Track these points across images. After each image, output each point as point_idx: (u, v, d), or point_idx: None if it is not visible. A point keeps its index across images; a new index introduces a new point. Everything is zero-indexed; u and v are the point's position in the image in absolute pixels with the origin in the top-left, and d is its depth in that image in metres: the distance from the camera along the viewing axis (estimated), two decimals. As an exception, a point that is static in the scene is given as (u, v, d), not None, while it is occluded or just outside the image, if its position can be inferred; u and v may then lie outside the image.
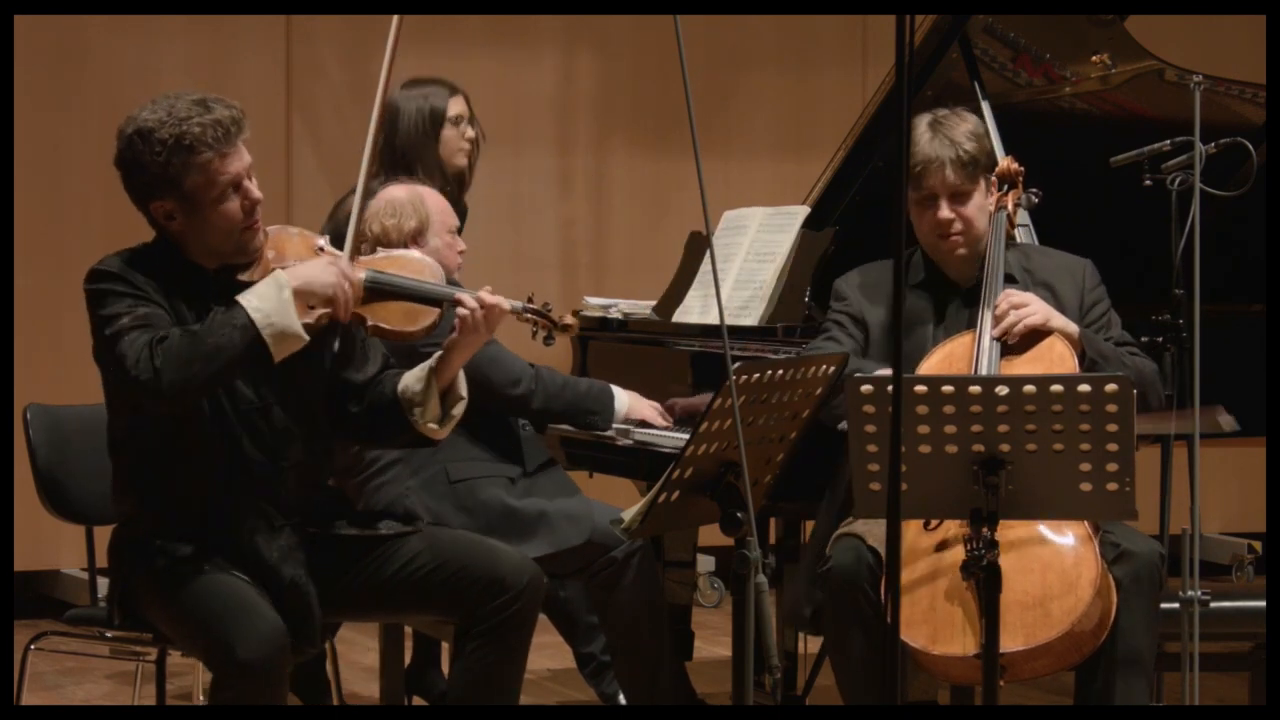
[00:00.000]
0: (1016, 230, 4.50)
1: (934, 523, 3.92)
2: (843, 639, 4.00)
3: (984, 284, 4.22)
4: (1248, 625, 4.42)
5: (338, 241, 4.01)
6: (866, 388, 3.50)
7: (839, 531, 4.08)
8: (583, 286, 7.10)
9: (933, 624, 3.80)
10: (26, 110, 6.64)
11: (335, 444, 4.10)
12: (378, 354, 4.04)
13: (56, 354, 6.59)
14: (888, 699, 2.87)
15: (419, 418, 3.92)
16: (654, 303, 5.33)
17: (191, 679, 5.38)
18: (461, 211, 5.16)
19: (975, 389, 3.50)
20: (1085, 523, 3.87)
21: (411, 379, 3.95)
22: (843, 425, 3.73)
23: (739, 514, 3.60)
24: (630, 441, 4.79)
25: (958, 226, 4.25)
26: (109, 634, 4.17)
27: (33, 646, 4.33)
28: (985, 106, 4.91)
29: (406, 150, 5.28)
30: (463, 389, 3.96)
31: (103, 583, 4.08)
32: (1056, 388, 3.49)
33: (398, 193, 4.77)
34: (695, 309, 5.08)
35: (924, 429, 3.51)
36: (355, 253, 3.96)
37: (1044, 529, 3.88)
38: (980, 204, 4.28)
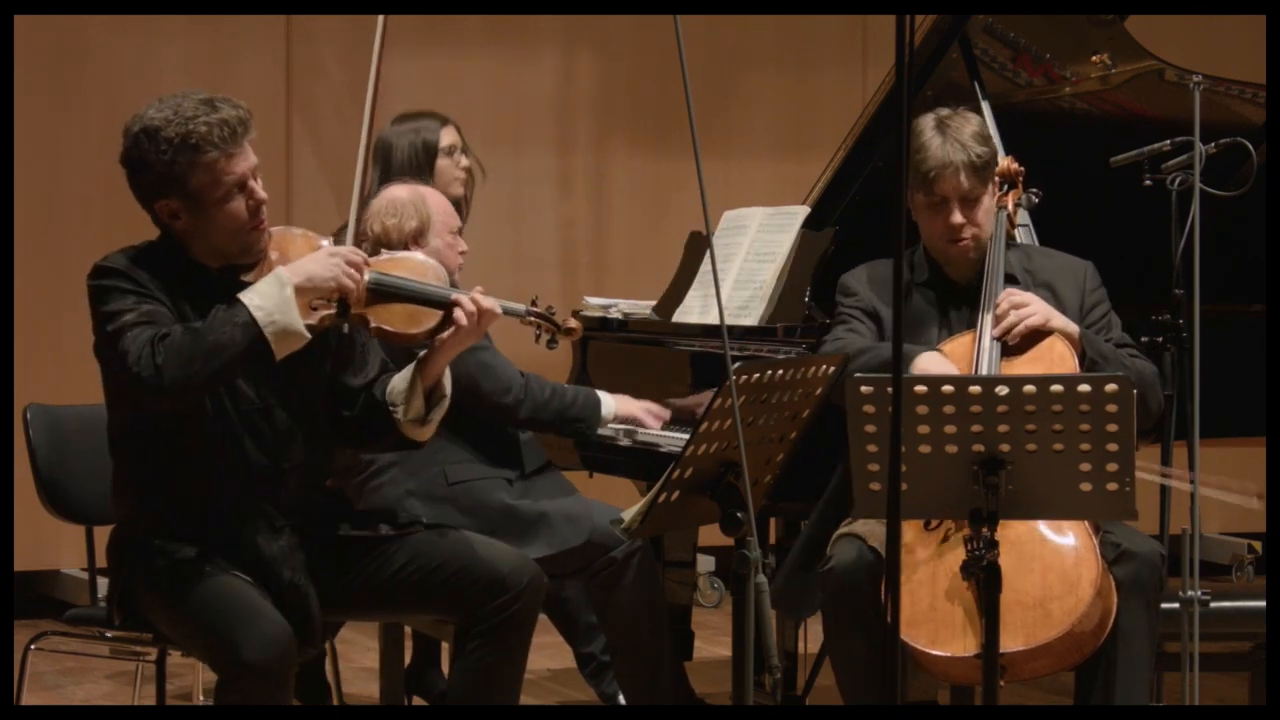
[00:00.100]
0: (1016, 230, 4.50)
1: (934, 523, 3.92)
2: (843, 639, 4.00)
3: (985, 284, 4.22)
4: (1248, 625, 4.42)
5: None
6: (866, 388, 3.50)
7: (839, 531, 4.08)
8: (583, 286, 7.10)
9: (933, 624, 3.80)
10: (26, 110, 6.65)
11: (335, 445, 4.10)
12: (375, 358, 4.03)
13: (56, 354, 6.59)
14: (888, 699, 2.87)
15: (401, 416, 3.91)
16: (654, 303, 5.33)
17: (191, 679, 5.39)
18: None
19: (975, 389, 3.50)
20: (1086, 523, 3.87)
21: (398, 378, 3.95)
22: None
23: (739, 514, 3.60)
24: (630, 442, 4.79)
25: (969, 231, 4.24)
26: (109, 634, 4.17)
27: (33, 646, 4.33)
28: (985, 106, 4.91)
29: None
30: (447, 389, 3.96)
31: (103, 583, 4.08)
32: (1056, 388, 3.49)
33: (399, 192, 4.77)
34: (695, 309, 5.08)
35: (924, 429, 3.51)
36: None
37: (1044, 529, 3.88)
38: (989, 207, 4.27)
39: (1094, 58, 5.24)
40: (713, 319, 4.89)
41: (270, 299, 3.67)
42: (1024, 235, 4.66)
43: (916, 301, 4.31)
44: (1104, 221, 5.04)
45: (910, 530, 3.91)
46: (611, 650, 4.89)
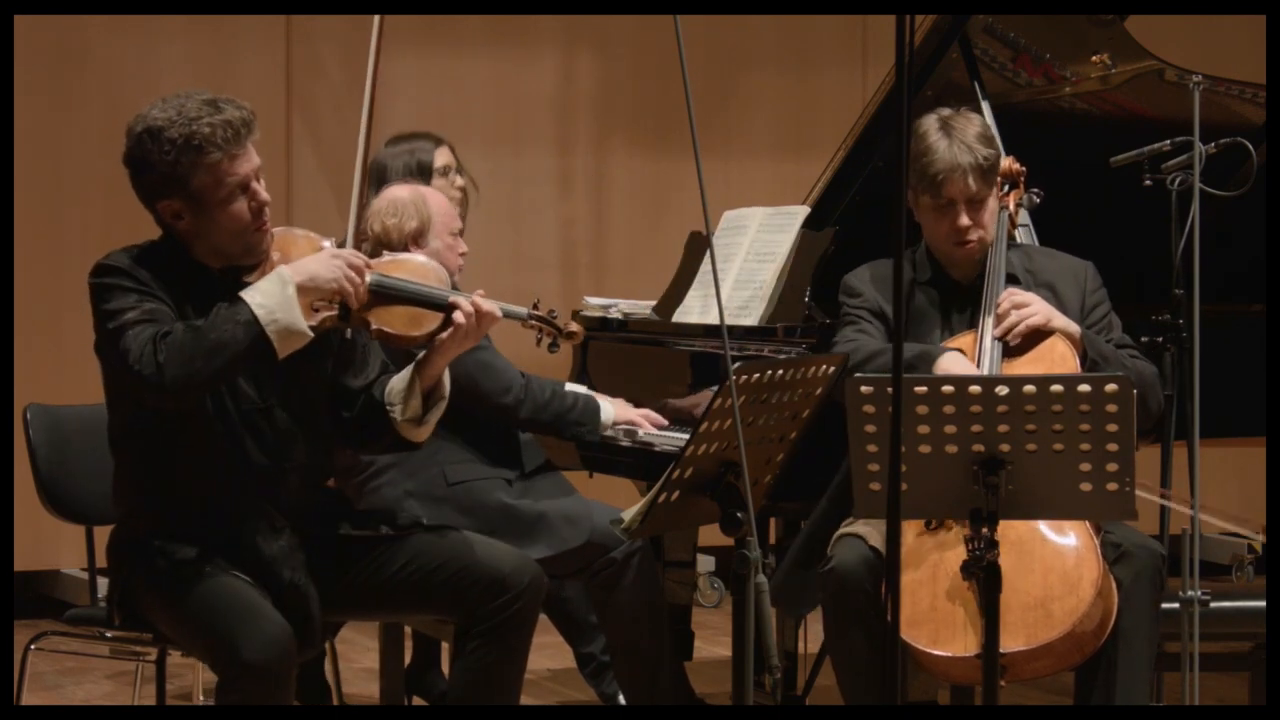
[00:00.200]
0: (1016, 230, 4.50)
1: (935, 522, 3.92)
2: (844, 639, 4.00)
3: (986, 284, 4.22)
4: (1248, 625, 4.42)
5: None
6: (866, 388, 3.50)
7: (840, 531, 4.08)
8: (583, 286, 7.09)
9: (934, 624, 3.80)
10: (26, 110, 6.64)
11: (334, 445, 4.10)
12: (376, 359, 4.03)
13: (56, 354, 6.60)
14: (888, 699, 2.87)
15: (398, 415, 3.91)
16: (654, 303, 5.33)
17: (191, 679, 5.39)
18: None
19: (975, 389, 3.50)
20: (1087, 523, 3.87)
21: (396, 378, 3.94)
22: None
23: (739, 514, 3.60)
24: (630, 442, 4.79)
25: (976, 233, 4.23)
26: (109, 634, 4.17)
27: (33, 646, 4.33)
28: (985, 106, 4.91)
29: None
30: (445, 389, 3.96)
31: (103, 583, 4.08)
32: (1056, 388, 3.49)
33: (401, 192, 4.77)
34: (695, 309, 5.08)
35: (924, 429, 3.51)
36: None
37: (1046, 529, 3.88)
38: (994, 208, 4.27)
39: (1094, 58, 5.24)
40: (713, 319, 4.89)
41: (272, 297, 3.66)
42: (1024, 235, 4.65)
43: (919, 300, 4.31)
44: (1104, 221, 5.04)
45: (911, 530, 3.91)
46: (611, 650, 4.89)
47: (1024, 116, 5.19)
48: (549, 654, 5.84)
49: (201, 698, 5.32)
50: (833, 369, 3.78)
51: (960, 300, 4.30)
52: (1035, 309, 4.14)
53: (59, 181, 6.79)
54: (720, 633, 6.22)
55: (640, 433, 4.79)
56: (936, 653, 3.79)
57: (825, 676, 4.37)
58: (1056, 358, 4.09)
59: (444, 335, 3.86)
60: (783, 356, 4.56)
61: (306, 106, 7.10)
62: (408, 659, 5.09)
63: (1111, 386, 3.48)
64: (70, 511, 4.35)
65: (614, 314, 5.40)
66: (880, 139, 5.06)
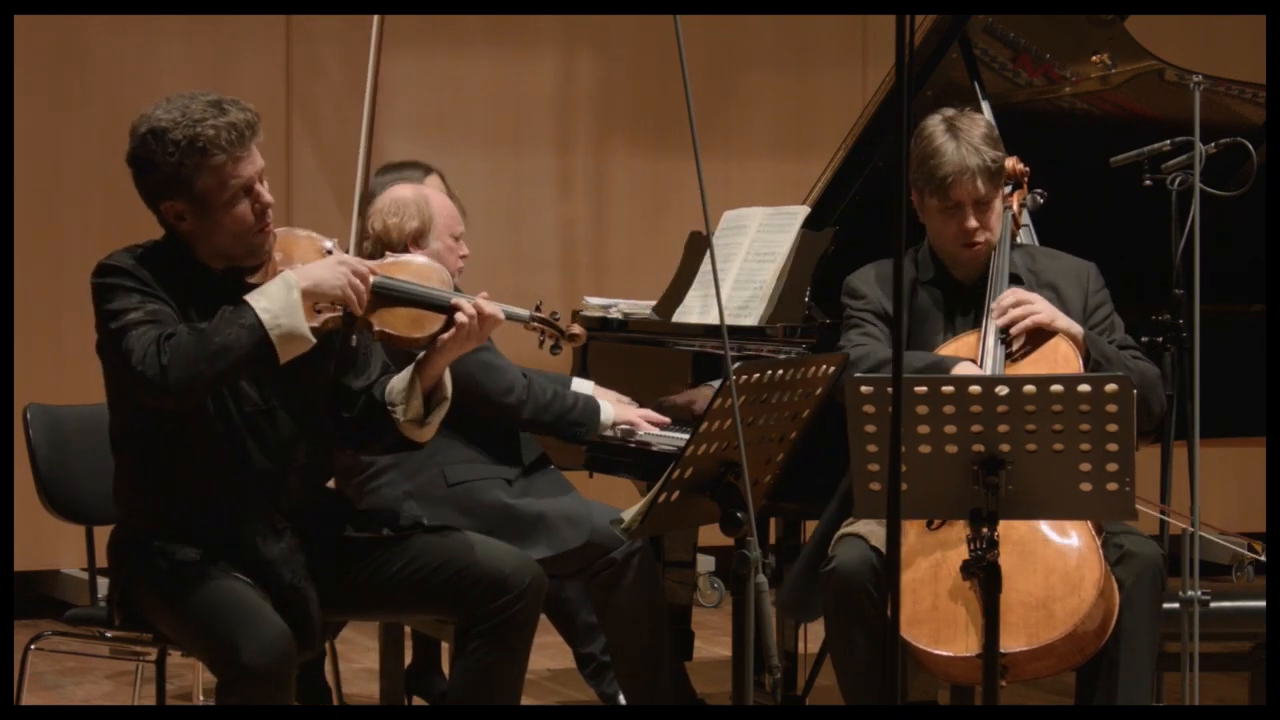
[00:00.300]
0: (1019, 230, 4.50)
1: (936, 522, 3.92)
2: (845, 639, 4.00)
3: (990, 284, 4.21)
4: (1248, 625, 4.42)
5: None
6: (866, 388, 3.50)
7: (841, 531, 4.08)
8: (583, 286, 7.10)
9: (935, 624, 3.80)
10: (26, 110, 6.65)
11: (335, 446, 4.10)
12: (377, 360, 4.03)
13: (56, 354, 6.60)
14: (888, 699, 2.87)
15: (400, 416, 3.91)
16: (654, 303, 5.33)
17: (191, 679, 5.39)
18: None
19: (975, 389, 3.50)
20: (1089, 524, 3.87)
21: (397, 378, 3.95)
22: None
23: (739, 514, 3.60)
24: (629, 442, 4.79)
25: (983, 235, 4.23)
26: (109, 634, 4.17)
27: (33, 646, 4.33)
28: (985, 106, 4.91)
29: None
30: (447, 390, 3.96)
31: (103, 583, 4.08)
32: (1056, 388, 3.49)
33: (403, 192, 4.77)
34: (695, 309, 5.08)
35: (924, 429, 3.51)
36: (359, 254, 3.95)
37: (1048, 530, 3.88)
38: (999, 209, 4.27)
39: (1094, 58, 5.24)
40: (713, 319, 4.89)
41: (277, 301, 3.66)
42: (1024, 235, 4.65)
43: (922, 300, 4.30)
44: (1104, 221, 5.04)
45: (912, 530, 3.91)
46: (611, 650, 4.89)
47: (1024, 116, 5.19)
48: (549, 654, 5.84)
49: (201, 698, 5.32)
50: (833, 369, 3.77)
51: (964, 301, 4.30)
52: (1039, 307, 4.14)
53: (59, 181, 6.79)
54: (720, 633, 6.22)
55: (639, 433, 4.79)
56: (937, 652, 3.79)
57: (825, 676, 4.37)
58: (1060, 359, 4.09)
59: (445, 336, 3.86)
60: (783, 356, 4.56)
61: (306, 106, 7.10)
62: (408, 659, 5.09)
63: (1111, 386, 3.48)
64: (70, 511, 4.35)
65: (614, 314, 5.40)
66: (880, 139, 5.06)
